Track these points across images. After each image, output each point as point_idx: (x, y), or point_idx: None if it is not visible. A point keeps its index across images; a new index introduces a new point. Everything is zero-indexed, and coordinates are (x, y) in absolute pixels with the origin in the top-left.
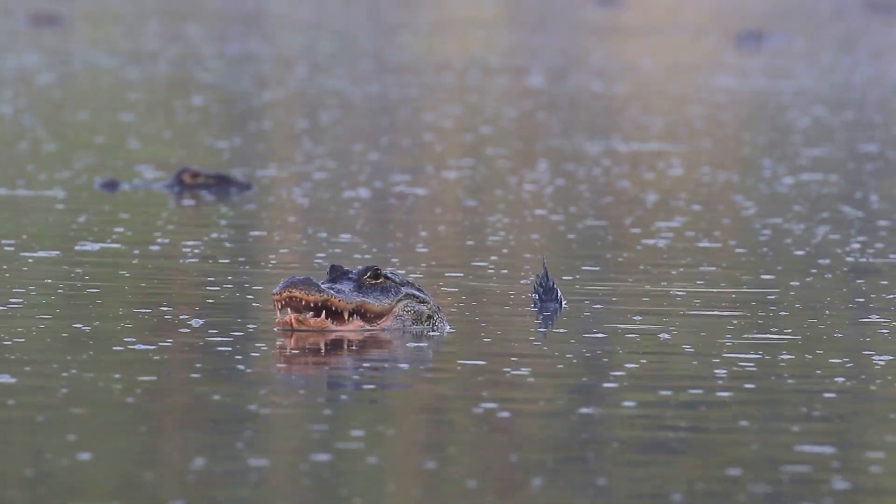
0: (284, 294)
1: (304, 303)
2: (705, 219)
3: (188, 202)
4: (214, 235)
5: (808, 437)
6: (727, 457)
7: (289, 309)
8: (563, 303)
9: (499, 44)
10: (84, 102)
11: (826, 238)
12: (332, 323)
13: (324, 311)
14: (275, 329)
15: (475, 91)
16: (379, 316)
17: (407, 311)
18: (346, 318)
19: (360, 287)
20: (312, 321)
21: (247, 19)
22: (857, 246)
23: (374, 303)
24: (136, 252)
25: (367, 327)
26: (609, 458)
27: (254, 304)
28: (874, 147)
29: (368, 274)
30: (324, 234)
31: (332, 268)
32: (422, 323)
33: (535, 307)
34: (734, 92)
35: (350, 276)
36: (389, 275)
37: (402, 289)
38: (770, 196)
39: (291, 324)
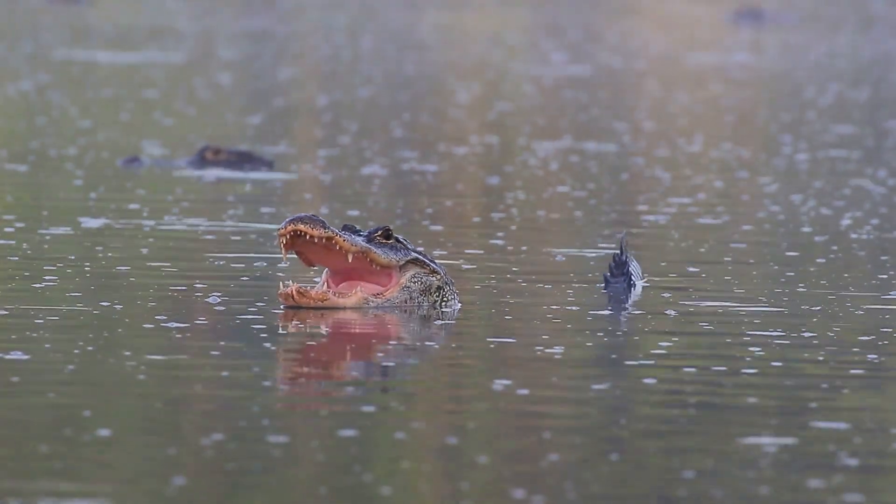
0: (289, 228)
1: (308, 237)
2: (726, 195)
3: (210, 179)
4: (233, 212)
5: (829, 415)
6: (743, 433)
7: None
8: (637, 282)
9: (519, 20)
10: (106, 79)
11: (848, 214)
12: (335, 295)
13: (326, 283)
14: (281, 307)
15: (496, 68)
16: (385, 270)
17: (415, 283)
18: (349, 259)
19: (369, 242)
20: (314, 293)
21: None
22: (878, 222)
23: (380, 253)
24: (158, 228)
25: (372, 300)
26: (626, 434)
27: (275, 281)
28: (895, 123)
29: (380, 233)
30: (345, 211)
31: (345, 227)
32: (431, 295)
33: (602, 284)
34: (749, 68)
35: (361, 233)
36: (401, 239)
37: (412, 253)
38: (791, 172)
39: (293, 296)
